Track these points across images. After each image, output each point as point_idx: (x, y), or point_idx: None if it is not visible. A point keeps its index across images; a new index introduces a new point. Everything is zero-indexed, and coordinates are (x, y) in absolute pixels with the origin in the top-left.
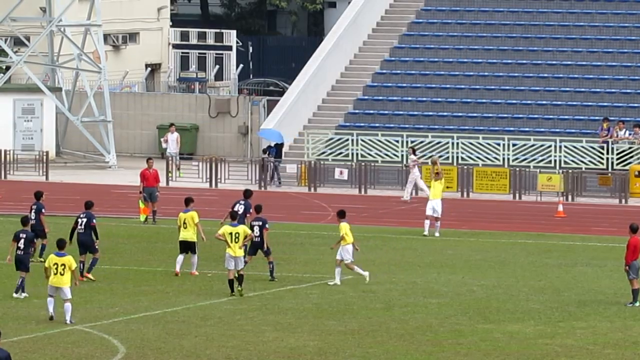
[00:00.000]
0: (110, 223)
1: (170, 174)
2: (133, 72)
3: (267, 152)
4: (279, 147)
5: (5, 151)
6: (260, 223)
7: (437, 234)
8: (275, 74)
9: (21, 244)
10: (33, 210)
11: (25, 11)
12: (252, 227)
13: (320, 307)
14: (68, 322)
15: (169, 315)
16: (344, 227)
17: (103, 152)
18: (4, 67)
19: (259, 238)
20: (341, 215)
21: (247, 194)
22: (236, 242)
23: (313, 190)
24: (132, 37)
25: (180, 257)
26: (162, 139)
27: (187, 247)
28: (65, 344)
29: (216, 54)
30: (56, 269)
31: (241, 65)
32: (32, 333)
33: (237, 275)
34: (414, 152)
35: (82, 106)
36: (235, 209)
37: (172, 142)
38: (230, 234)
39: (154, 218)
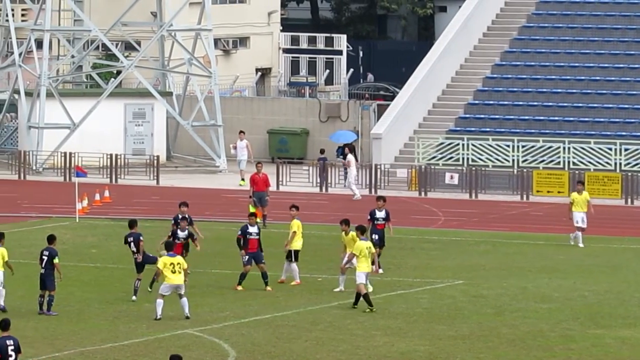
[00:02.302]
0: (220, 227)
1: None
2: (243, 76)
3: (337, 154)
4: (348, 147)
5: (116, 155)
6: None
7: (580, 245)
8: (385, 78)
9: (133, 248)
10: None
11: (136, 16)
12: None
13: (430, 311)
14: (187, 315)
15: (279, 319)
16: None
17: (213, 156)
18: (115, 72)
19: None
20: (347, 224)
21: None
22: (367, 258)
23: (423, 195)
24: (242, 41)
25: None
26: (231, 145)
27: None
28: (176, 348)
29: (326, 58)
30: (173, 268)
31: (351, 70)
32: (142, 337)
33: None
34: (351, 151)
35: (193, 110)
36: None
37: (241, 149)
38: (367, 248)
39: (264, 222)
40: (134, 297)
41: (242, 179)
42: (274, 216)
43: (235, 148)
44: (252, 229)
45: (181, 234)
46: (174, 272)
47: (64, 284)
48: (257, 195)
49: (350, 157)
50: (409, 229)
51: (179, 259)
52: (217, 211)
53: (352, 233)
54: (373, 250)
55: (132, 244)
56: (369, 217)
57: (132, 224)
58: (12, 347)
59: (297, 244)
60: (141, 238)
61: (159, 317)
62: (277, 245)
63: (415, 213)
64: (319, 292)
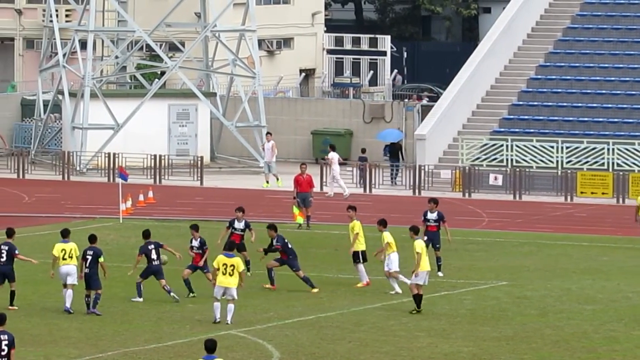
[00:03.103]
0: (264, 228)
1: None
2: (287, 77)
3: (383, 153)
4: (394, 146)
5: (160, 156)
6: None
7: None
8: (429, 79)
9: (153, 255)
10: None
11: (180, 17)
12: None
13: (474, 313)
14: (229, 322)
15: (323, 321)
16: (387, 236)
17: (257, 157)
18: (159, 73)
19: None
20: (383, 224)
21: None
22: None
23: (467, 196)
24: (286, 42)
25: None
26: (261, 147)
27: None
28: (220, 349)
29: (370, 59)
30: (225, 269)
31: (395, 71)
32: (186, 337)
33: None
34: (333, 149)
35: (237, 111)
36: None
37: (268, 151)
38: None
39: (307, 223)
40: (139, 299)
41: (267, 181)
42: (318, 217)
43: (263, 149)
44: (238, 225)
45: (238, 225)
46: (224, 274)
47: (107, 285)
48: (301, 196)
49: (332, 154)
50: (453, 230)
51: (234, 260)
52: (261, 212)
53: (385, 233)
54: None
55: (152, 251)
56: (422, 219)
57: (147, 234)
58: (6, 342)
59: (360, 245)
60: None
61: (217, 320)
62: (321, 246)
63: (459, 214)
64: (363, 294)
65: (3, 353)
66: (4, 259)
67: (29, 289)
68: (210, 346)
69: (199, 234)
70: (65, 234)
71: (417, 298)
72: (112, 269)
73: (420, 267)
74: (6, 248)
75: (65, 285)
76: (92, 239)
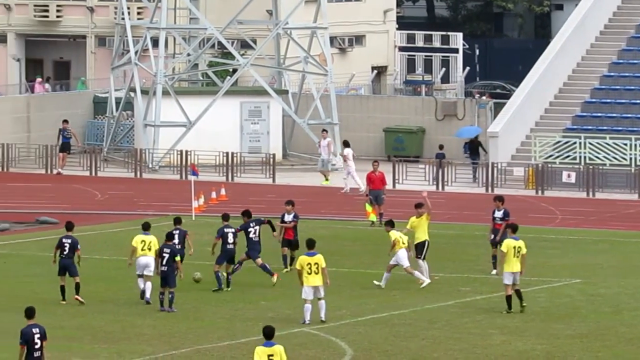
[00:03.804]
0: (337, 225)
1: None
2: (359, 74)
3: (463, 150)
4: (473, 142)
5: (232, 154)
6: (233, 231)
7: None
8: (501, 76)
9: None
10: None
11: (251, 14)
12: (226, 235)
13: (547, 310)
14: (323, 319)
15: (396, 318)
16: (393, 234)
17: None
18: (231, 70)
19: (233, 245)
20: (390, 224)
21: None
22: (517, 257)
23: (540, 194)
24: (358, 39)
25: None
26: (317, 144)
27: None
28: (293, 346)
29: (442, 56)
30: (310, 268)
31: (467, 68)
32: (259, 335)
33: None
34: (347, 146)
35: (309, 109)
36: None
37: (324, 148)
38: (514, 247)
39: (380, 221)
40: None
41: (327, 179)
42: (390, 214)
43: (320, 146)
44: (288, 217)
45: (287, 217)
46: (310, 273)
47: (180, 282)
48: (373, 194)
49: (347, 150)
50: (526, 227)
51: (317, 258)
52: (333, 209)
53: (391, 232)
54: (524, 251)
55: (176, 236)
56: (492, 217)
57: (178, 221)
58: (38, 336)
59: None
60: (188, 233)
61: (307, 321)
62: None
63: (532, 212)
64: (436, 291)
65: (36, 347)
66: (66, 252)
67: (101, 285)
68: (269, 332)
69: (293, 208)
70: (146, 227)
71: (508, 299)
72: (184, 267)
73: (506, 267)
74: (69, 241)
75: (140, 276)
76: (170, 236)
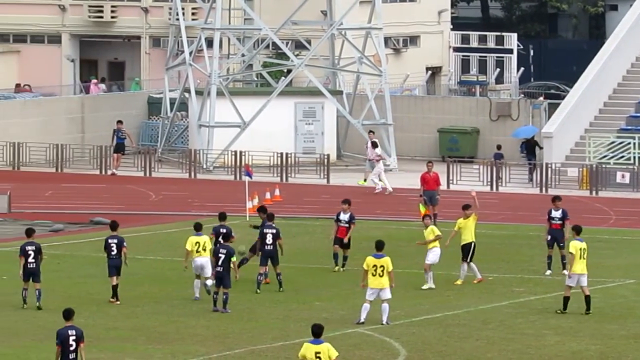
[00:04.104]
0: (391, 226)
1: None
2: (413, 75)
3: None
4: (529, 142)
5: (286, 154)
6: (274, 232)
7: None
8: (556, 77)
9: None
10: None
11: (306, 15)
12: (264, 235)
13: (601, 311)
14: (384, 322)
15: (450, 319)
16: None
17: (384, 155)
18: (285, 71)
19: (272, 247)
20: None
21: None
22: (583, 259)
23: (594, 194)
24: (412, 40)
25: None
26: (364, 146)
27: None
28: (347, 347)
29: (497, 57)
30: (375, 270)
31: (522, 68)
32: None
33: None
34: (376, 146)
35: (363, 109)
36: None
37: (370, 149)
38: (580, 249)
39: (434, 221)
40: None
41: (365, 179)
42: (445, 215)
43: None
44: (344, 217)
45: (343, 217)
46: (374, 275)
47: (234, 282)
48: (427, 194)
49: (378, 150)
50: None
51: (384, 260)
52: (387, 210)
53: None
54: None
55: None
56: (547, 217)
57: (223, 216)
58: (74, 337)
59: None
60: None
61: (361, 321)
62: (450, 244)
63: (586, 212)
64: (490, 291)
65: (71, 348)
66: (114, 252)
67: (155, 286)
68: (317, 331)
69: (349, 207)
70: (198, 228)
71: (565, 300)
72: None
73: (572, 269)
74: (115, 241)
75: (198, 276)
76: (227, 237)
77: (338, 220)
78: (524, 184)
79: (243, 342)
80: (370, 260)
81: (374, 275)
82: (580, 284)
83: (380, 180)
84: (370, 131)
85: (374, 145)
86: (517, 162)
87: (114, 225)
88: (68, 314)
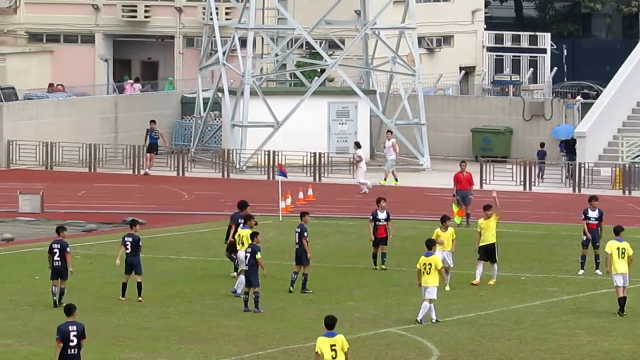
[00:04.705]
0: (424, 226)
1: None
2: (447, 75)
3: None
4: (569, 142)
5: (319, 154)
6: (299, 230)
7: None
8: (589, 76)
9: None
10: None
11: (340, 14)
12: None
13: (634, 310)
14: (434, 320)
15: (483, 319)
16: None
17: (417, 154)
18: (319, 70)
19: (299, 245)
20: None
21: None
22: (622, 258)
23: (627, 194)
24: (446, 40)
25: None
26: (382, 145)
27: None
28: (379, 346)
29: (530, 56)
30: (424, 268)
31: (555, 68)
32: (345, 335)
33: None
34: (359, 147)
35: (396, 109)
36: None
37: (389, 149)
38: (618, 249)
39: (467, 221)
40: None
41: (385, 179)
42: (478, 215)
43: (385, 147)
44: (381, 215)
45: (381, 215)
46: (428, 274)
47: (267, 282)
48: (460, 194)
49: (360, 151)
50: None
51: (431, 258)
52: (420, 209)
53: (451, 229)
54: (630, 252)
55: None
56: (582, 217)
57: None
58: (75, 333)
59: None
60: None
61: (419, 320)
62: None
63: (619, 212)
64: (523, 291)
65: (72, 344)
66: (129, 250)
67: (188, 286)
68: (330, 322)
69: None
70: (244, 220)
71: (620, 301)
72: (272, 267)
73: (613, 268)
74: (130, 240)
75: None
76: (253, 236)
77: (376, 219)
78: (557, 184)
79: (275, 342)
80: (422, 259)
81: (423, 273)
82: (624, 283)
83: (362, 180)
84: (389, 131)
85: (357, 145)
86: (551, 161)
87: (132, 223)
88: (69, 310)
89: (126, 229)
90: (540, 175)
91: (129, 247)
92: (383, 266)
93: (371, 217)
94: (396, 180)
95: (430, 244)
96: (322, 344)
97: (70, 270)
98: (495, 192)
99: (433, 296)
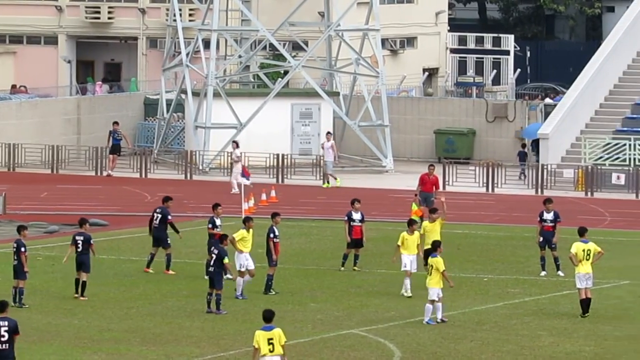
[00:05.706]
0: (387, 227)
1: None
2: (410, 76)
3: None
4: (329, 133)
5: (282, 155)
6: (267, 231)
7: None
8: (553, 78)
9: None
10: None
11: (303, 16)
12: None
13: (596, 312)
14: (440, 320)
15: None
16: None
17: (380, 156)
18: (282, 72)
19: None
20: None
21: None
22: (587, 260)
23: (590, 195)
24: (409, 41)
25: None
26: (320, 146)
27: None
28: (342, 348)
29: (493, 58)
30: (430, 269)
31: (518, 70)
32: (308, 337)
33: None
34: (237, 146)
35: (360, 111)
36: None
37: (327, 150)
38: (583, 250)
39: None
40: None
41: (327, 182)
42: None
43: (324, 148)
44: (356, 216)
45: (356, 216)
46: (430, 274)
47: (228, 284)
48: (423, 195)
49: (238, 151)
50: (575, 229)
51: (434, 260)
52: (384, 211)
53: (417, 233)
54: (597, 249)
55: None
56: (538, 219)
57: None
58: (6, 329)
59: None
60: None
61: (425, 321)
62: (444, 245)
63: (581, 213)
64: (485, 292)
65: (3, 339)
66: (80, 249)
67: (150, 287)
68: (268, 316)
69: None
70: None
71: (582, 303)
72: (233, 269)
73: (577, 269)
74: (81, 238)
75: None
76: (222, 238)
77: (351, 220)
78: (519, 185)
79: (238, 343)
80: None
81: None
82: (586, 285)
83: (237, 181)
84: (328, 132)
85: (236, 145)
86: (513, 163)
87: (81, 222)
88: (2, 306)
89: (89, 231)
90: (520, 176)
91: (80, 245)
92: (355, 268)
93: (346, 218)
94: (336, 179)
95: (435, 246)
96: (260, 337)
97: (26, 270)
98: (444, 197)
99: (434, 297)
